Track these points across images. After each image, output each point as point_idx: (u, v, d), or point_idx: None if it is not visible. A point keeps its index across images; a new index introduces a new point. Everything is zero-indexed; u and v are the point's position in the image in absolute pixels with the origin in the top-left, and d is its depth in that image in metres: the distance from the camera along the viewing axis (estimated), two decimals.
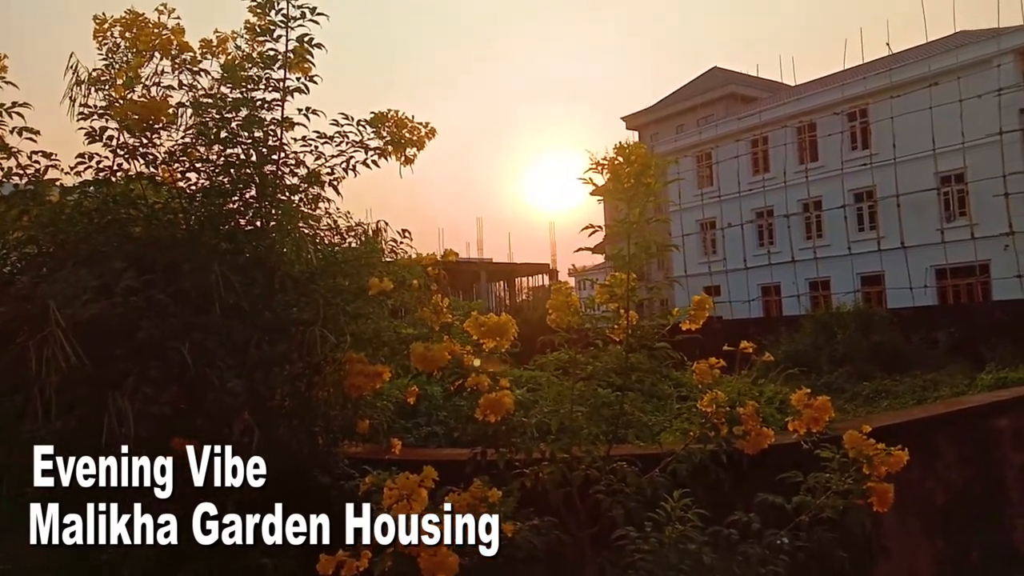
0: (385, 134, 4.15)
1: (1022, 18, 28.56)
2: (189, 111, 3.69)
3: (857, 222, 32.58)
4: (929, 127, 28.75)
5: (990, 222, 27.79)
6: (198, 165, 3.52)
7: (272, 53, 3.81)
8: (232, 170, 3.51)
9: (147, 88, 3.61)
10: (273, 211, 3.45)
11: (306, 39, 3.81)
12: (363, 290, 3.13)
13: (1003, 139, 27.37)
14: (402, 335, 3.32)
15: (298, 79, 3.86)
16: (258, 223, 3.48)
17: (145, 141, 3.42)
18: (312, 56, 3.84)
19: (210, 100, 3.62)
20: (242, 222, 3.51)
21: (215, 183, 3.71)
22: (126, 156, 3.64)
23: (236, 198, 3.59)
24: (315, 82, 3.84)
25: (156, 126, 3.37)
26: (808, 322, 21.16)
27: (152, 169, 3.51)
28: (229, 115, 3.59)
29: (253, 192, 3.54)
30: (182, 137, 3.50)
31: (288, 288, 3.24)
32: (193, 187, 3.64)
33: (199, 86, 3.68)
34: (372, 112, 4.06)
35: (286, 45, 3.79)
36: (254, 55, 3.84)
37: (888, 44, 39.41)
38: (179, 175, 3.52)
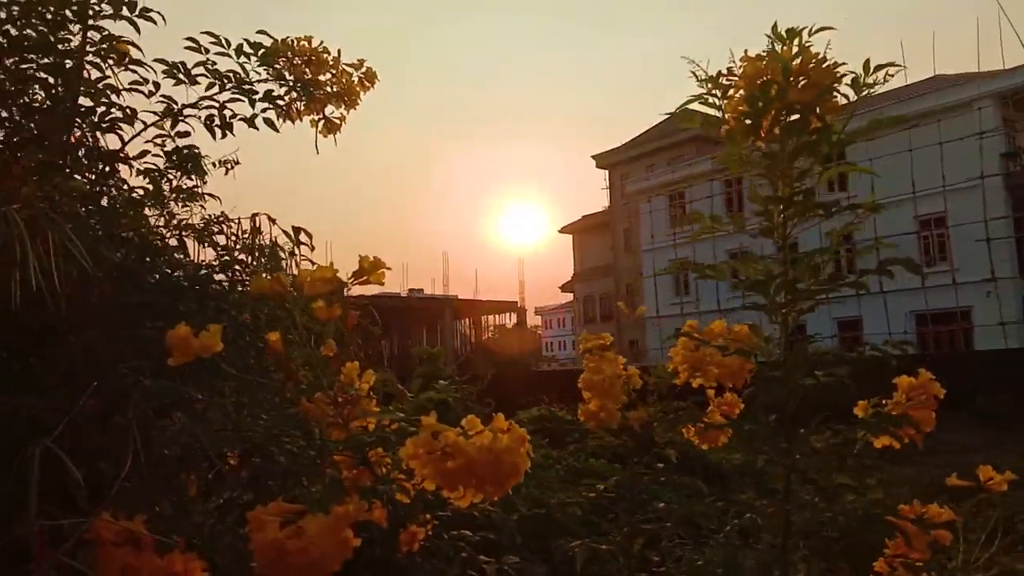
0: (289, 76, 2.47)
1: (1001, 63, 27.95)
2: None
3: (834, 265, 31.54)
4: (908, 170, 27.86)
5: (972, 268, 26.89)
6: None
7: None
8: None
9: None
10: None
11: None
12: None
13: (984, 183, 26.63)
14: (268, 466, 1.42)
15: None
16: None
17: None
18: None
19: None
20: None
21: None
22: None
23: None
24: None
25: None
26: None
27: None
28: None
29: None
30: None
31: None
32: None
33: None
34: (263, 32, 2.37)
35: None
36: None
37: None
38: None
